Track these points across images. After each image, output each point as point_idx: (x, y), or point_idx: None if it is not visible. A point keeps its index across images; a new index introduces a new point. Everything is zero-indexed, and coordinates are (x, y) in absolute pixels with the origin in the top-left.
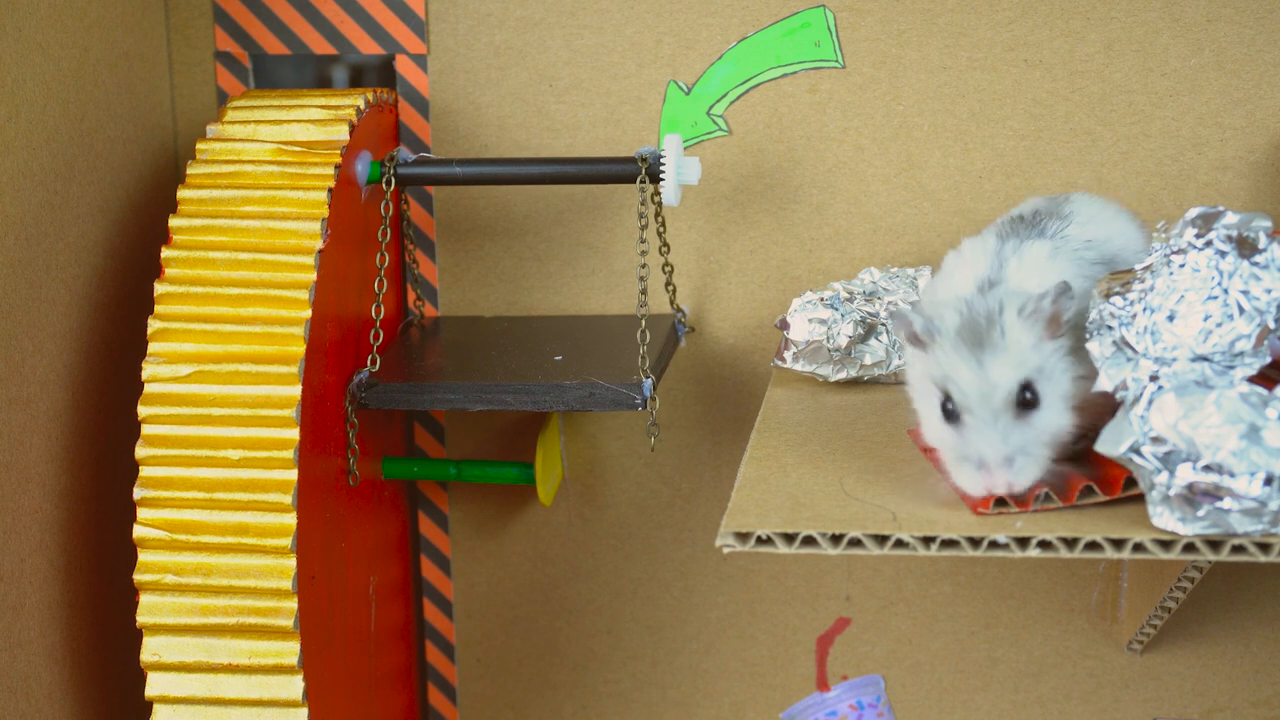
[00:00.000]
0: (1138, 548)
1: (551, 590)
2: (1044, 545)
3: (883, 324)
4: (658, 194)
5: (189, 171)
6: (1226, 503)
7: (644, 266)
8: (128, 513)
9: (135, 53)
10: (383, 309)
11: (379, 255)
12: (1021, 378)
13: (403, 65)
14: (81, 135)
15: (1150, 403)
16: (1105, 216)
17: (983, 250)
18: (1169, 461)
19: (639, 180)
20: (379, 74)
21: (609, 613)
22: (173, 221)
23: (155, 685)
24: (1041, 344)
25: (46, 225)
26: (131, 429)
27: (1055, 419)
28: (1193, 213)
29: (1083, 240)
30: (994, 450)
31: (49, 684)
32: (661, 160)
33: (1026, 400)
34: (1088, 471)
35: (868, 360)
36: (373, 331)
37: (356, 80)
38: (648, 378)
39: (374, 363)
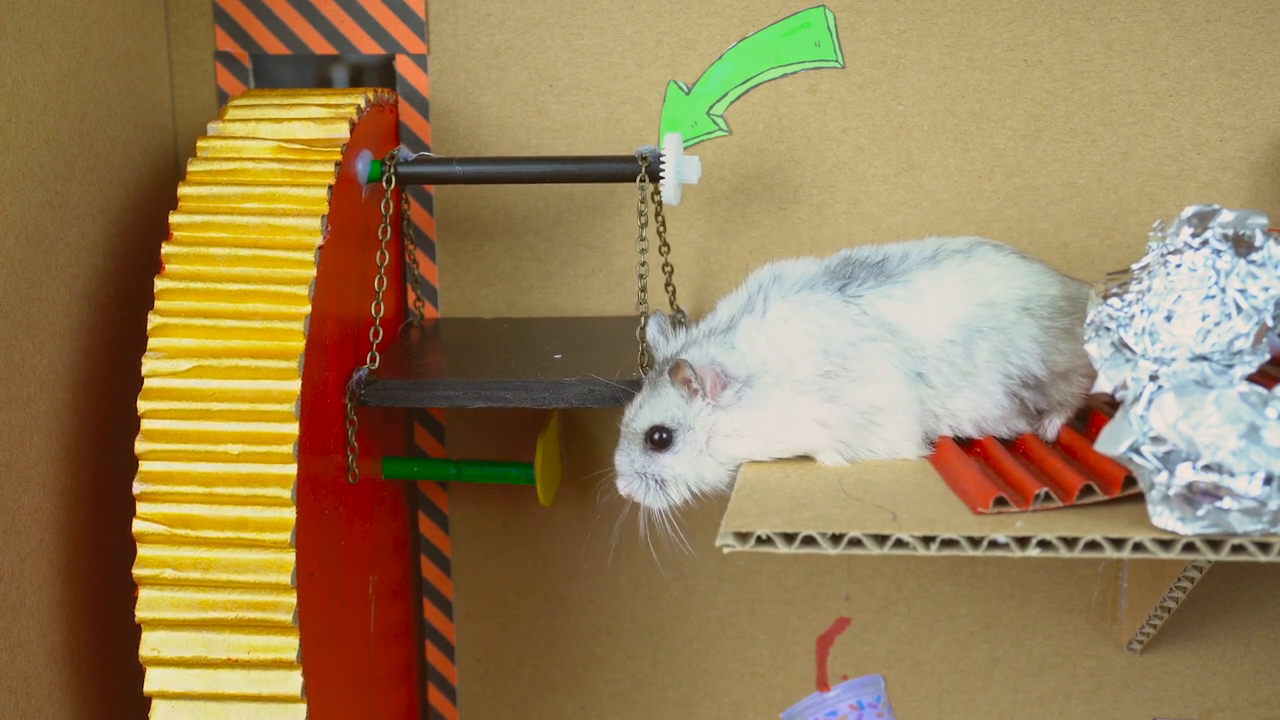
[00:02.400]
0: (1138, 547)
1: (551, 590)
2: (1044, 545)
3: None
4: (658, 193)
5: (190, 168)
6: (1226, 502)
7: (644, 265)
8: (128, 511)
9: (135, 53)
10: (383, 307)
11: (379, 254)
12: (653, 421)
13: (403, 65)
14: (81, 135)
15: (1150, 402)
16: (902, 295)
17: (746, 291)
18: (1169, 461)
19: (639, 179)
20: (379, 74)
21: (609, 613)
22: (173, 218)
23: (154, 680)
24: (685, 401)
25: (46, 225)
26: (131, 428)
27: (682, 463)
28: (1188, 211)
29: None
30: (620, 465)
31: (49, 683)
32: (661, 159)
33: (656, 440)
34: (1087, 471)
35: None
36: (372, 329)
37: (356, 80)
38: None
39: (373, 360)
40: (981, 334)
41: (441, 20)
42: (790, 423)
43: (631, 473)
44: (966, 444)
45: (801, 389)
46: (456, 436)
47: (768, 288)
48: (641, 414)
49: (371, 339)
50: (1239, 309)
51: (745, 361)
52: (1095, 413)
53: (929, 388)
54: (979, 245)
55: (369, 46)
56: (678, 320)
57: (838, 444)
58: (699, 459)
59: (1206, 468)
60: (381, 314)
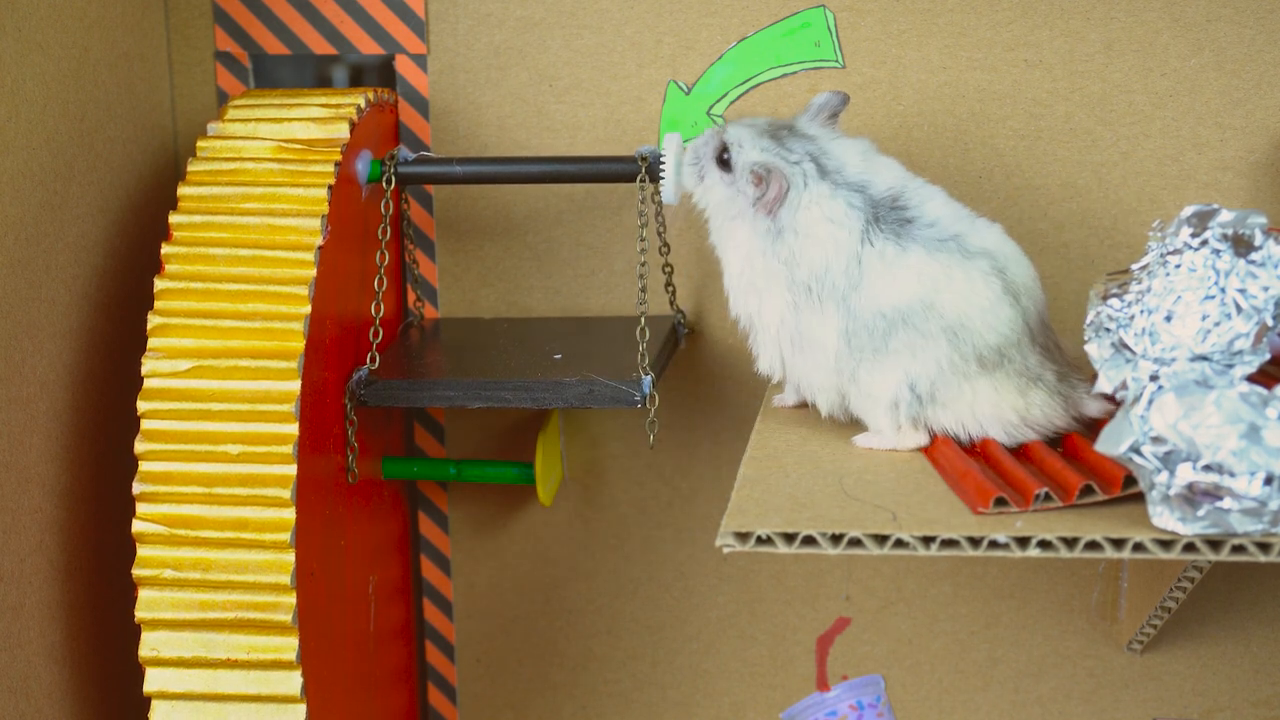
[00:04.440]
0: (1138, 547)
1: (551, 590)
2: (1044, 545)
3: None
4: (657, 193)
5: (189, 168)
6: (1226, 502)
7: (643, 264)
8: (128, 512)
9: (135, 53)
10: (383, 307)
11: (379, 254)
12: (728, 147)
13: (403, 65)
14: (81, 135)
15: (1150, 402)
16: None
17: (841, 144)
18: (1169, 461)
19: (638, 179)
20: (379, 74)
21: (609, 613)
22: (173, 218)
23: (154, 680)
24: (751, 186)
25: (46, 225)
26: (131, 428)
27: (718, 189)
28: (1188, 211)
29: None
30: (694, 145)
31: (49, 684)
32: (661, 160)
33: (723, 160)
34: (1086, 471)
35: None
36: (372, 330)
37: (356, 80)
38: (647, 375)
39: (373, 360)
40: (905, 323)
41: (441, 20)
42: (766, 288)
43: (694, 159)
44: (967, 444)
45: (790, 276)
46: (456, 436)
47: (843, 166)
48: (735, 136)
49: (371, 339)
50: (1239, 309)
51: (796, 213)
52: None
53: (848, 352)
54: (986, 258)
55: (369, 46)
56: (679, 322)
57: (783, 343)
58: (722, 202)
59: (1207, 468)
60: (382, 314)
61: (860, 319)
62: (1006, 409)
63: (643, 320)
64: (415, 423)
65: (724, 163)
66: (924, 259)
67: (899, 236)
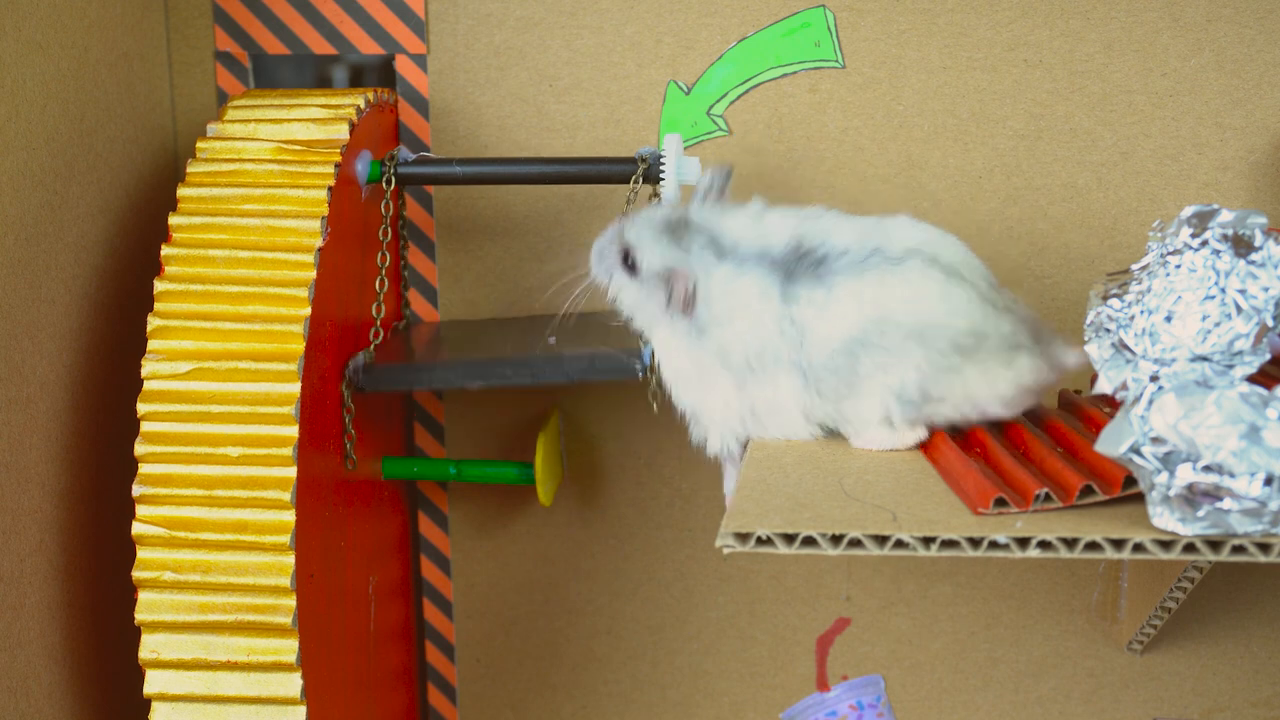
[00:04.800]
0: (1138, 548)
1: (551, 590)
2: (1044, 545)
3: None
4: (657, 194)
5: (189, 169)
6: (1226, 503)
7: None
8: (127, 512)
9: (135, 53)
10: (384, 308)
11: (380, 255)
12: (633, 247)
13: (403, 65)
14: (81, 135)
15: (1150, 403)
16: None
17: (747, 220)
18: (1169, 462)
19: (636, 179)
20: (379, 74)
21: (609, 613)
22: (173, 219)
23: (154, 682)
24: (662, 289)
25: (46, 225)
26: (131, 429)
27: (629, 296)
28: (1188, 212)
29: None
30: (597, 247)
31: (49, 684)
32: (661, 160)
33: (628, 263)
34: (1086, 471)
35: None
36: (373, 330)
37: (356, 80)
38: (647, 345)
39: (371, 350)
40: (865, 348)
41: (441, 20)
42: (702, 380)
43: (599, 260)
44: (966, 443)
45: (725, 363)
46: (456, 436)
47: (741, 242)
48: (635, 237)
49: (371, 339)
50: (1239, 309)
51: (711, 306)
52: (1095, 413)
53: (818, 396)
54: (915, 255)
55: (369, 46)
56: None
57: (733, 422)
58: (637, 304)
59: (1207, 468)
60: (382, 315)
61: (818, 367)
62: (1000, 385)
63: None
64: (415, 423)
65: (630, 266)
66: (854, 285)
67: (820, 279)
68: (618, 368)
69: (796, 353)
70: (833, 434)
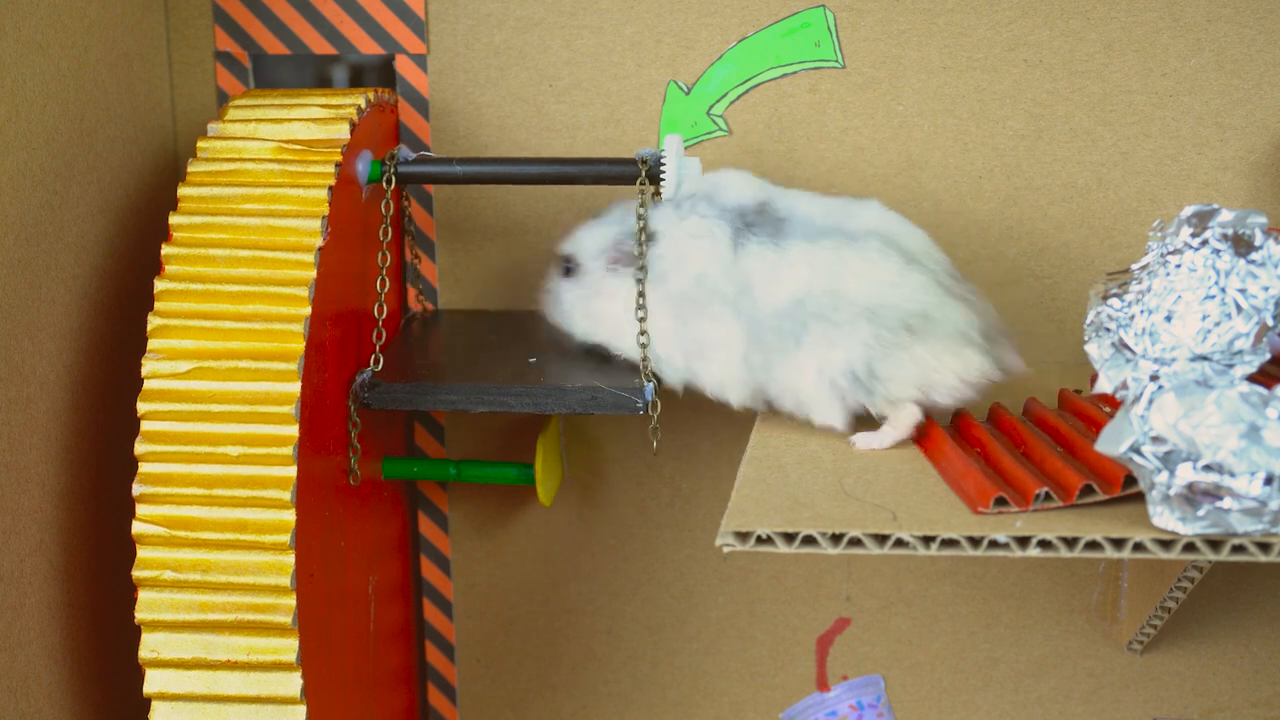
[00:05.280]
0: (1138, 547)
1: (551, 590)
2: (1044, 545)
3: None
4: (658, 195)
5: (190, 169)
6: (1226, 502)
7: (643, 269)
8: (128, 512)
9: (135, 53)
10: (385, 308)
11: (380, 254)
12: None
13: (403, 65)
14: (81, 135)
15: (1150, 402)
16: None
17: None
18: (1169, 461)
19: (639, 181)
20: (379, 74)
21: (609, 613)
22: (173, 219)
23: (154, 682)
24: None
25: (46, 225)
26: (131, 429)
27: (571, 296)
28: (1188, 211)
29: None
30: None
31: (49, 684)
32: (662, 161)
33: (566, 268)
34: (1086, 471)
35: None
36: (375, 331)
37: (356, 80)
38: (649, 382)
39: (377, 362)
40: (815, 318)
41: (441, 20)
42: (648, 317)
43: (546, 289)
44: (966, 442)
45: (666, 296)
46: (456, 436)
47: (700, 198)
48: (571, 246)
49: (374, 341)
50: (1239, 309)
51: (658, 244)
52: (1095, 412)
53: (758, 350)
54: (875, 236)
55: (369, 46)
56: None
57: (675, 356)
58: (583, 301)
59: (1207, 468)
60: (384, 315)
61: (762, 321)
62: (946, 372)
63: (642, 324)
64: (416, 423)
65: (568, 271)
66: (809, 250)
67: (775, 237)
68: (619, 404)
69: (741, 298)
70: (771, 406)
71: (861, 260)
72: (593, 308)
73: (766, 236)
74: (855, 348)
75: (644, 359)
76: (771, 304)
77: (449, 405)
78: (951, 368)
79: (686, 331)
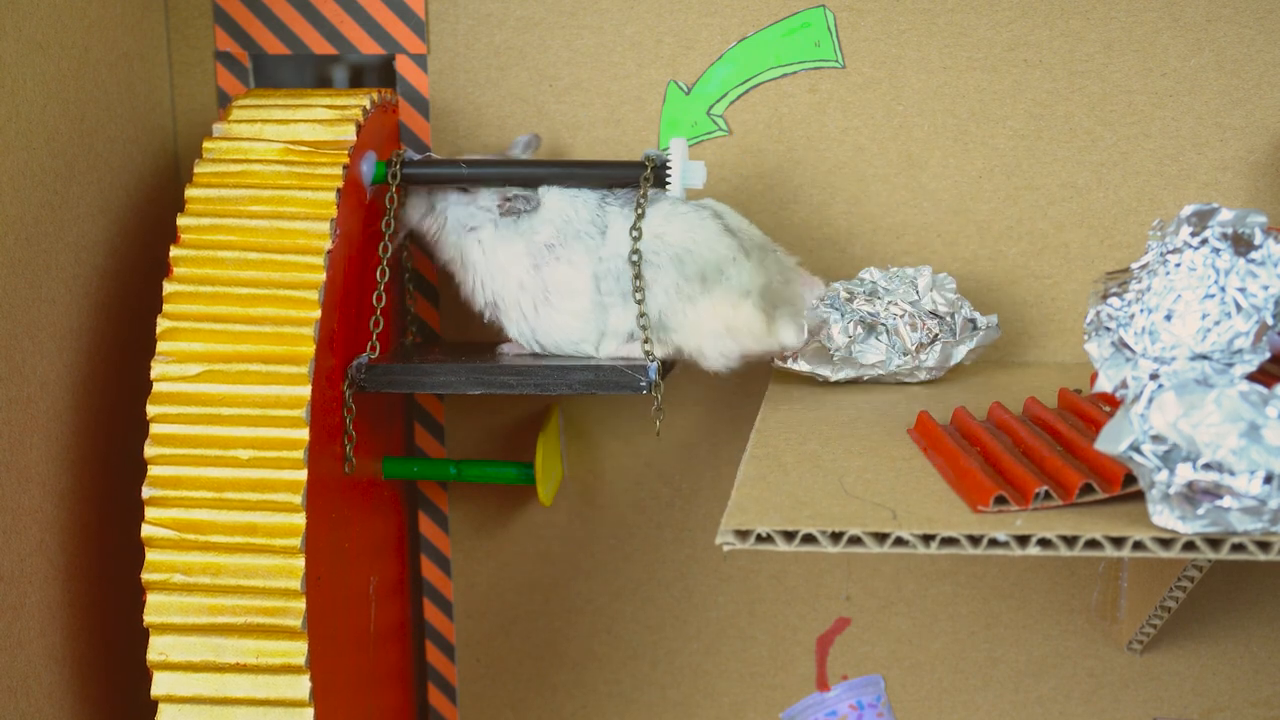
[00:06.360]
0: (1138, 546)
1: (551, 590)
2: (1044, 543)
3: (883, 324)
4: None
5: (196, 170)
6: (1226, 501)
7: (637, 253)
8: (129, 512)
9: (135, 53)
10: (384, 297)
11: (381, 246)
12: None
13: (403, 65)
14: (81, 135)
15: (1150, 401)
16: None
17: None
18: (1169, 460)
19: (643, 179)
20: (379, 74)
21: (609, 613)
22: (181, 220)
23: (161, 684)
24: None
25: (46, 225)
26: (133, 428)
27: (454, 209)
28: (1187, 211)
29: None
30: None
31: (49, 684)
32: (668, 165)
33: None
34: (1086, 470)
35: (868, 360)
36: (373, 319)
37: (356, 80)
38: (653, 361)
39: (374, 349)
40: (646, 264)
41: (441, 20)
42: (505, 270)
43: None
44: (966, 441)
45: (530, 247)
46: (456, 436)
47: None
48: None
49: (371, 328)
50: (1239, 308)
51: (540, 211)
52: (1095, 412)
53: (601, 293)
54: (706, 208)
55: (369, 46)
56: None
57: (528, 306)
58: (461, 219)
59: (1207, 466)
60: (383, 304)
61: (607, 268)
62: (717, 321)
63: (641, 306)
64: (415, 423)
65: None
66: (655, 211)
67: (628, 203)
68: (622, 382)
69: (597, 247)
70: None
71: (692, 216)
72: (460, 241)
73: (624, 202)
74: (659, 295)
75: (645, 337)
76: (616, 252)
77: (446, 387)
78: (723, 316)
79: (539, 280)
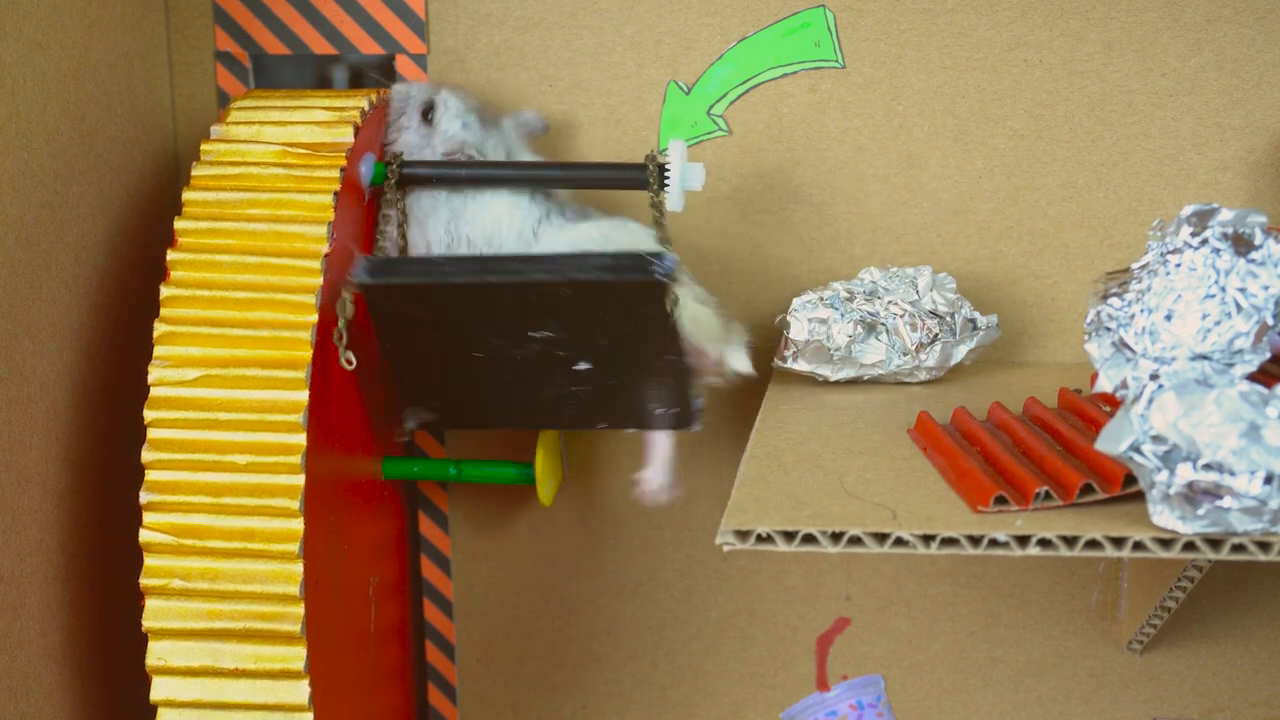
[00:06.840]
0: (1138, 546)
1: (551, 590)
2: (1044, 543)
3: (883, 324)
4: (661, 198)
5: (194, 173)
6: (1226, 501)
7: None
8: (128, 513)
9: (135, 53)
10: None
11: (378, 232)
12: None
13: (403, 65)
14: (81, 135)
15: (1150, 401)
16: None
17: None
18: (1169, 460)
19: (648, 173)
20: (378, 74)
21: (609, 613)
22: (178, 224)
23: (160, 689)
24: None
25: (46, 225)
26: (132, 428)
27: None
28: (1187, 211)
29: None
30: None
31: (49, 684)
32: (666, 168)
33: (425, 114)
34: (1086, 470)
35: (868, 360)
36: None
37: (357, 80)
38: (671, 253)
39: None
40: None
41: (441, 20)
42: (420, 221)
43: (402, 98)
44: (966, 441)
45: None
46: (456, 436)
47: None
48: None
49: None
50: (1239, 308)
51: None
52: (1095, 412)
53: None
54: (634, 222)
55: (369, 46)
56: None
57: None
58: (410, 148)
59: (1207, 467)
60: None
61: None
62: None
63: (657, 198)
64: None
65: (426, 118)
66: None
67: (565, 213)
68: (639, 266)
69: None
70: None
71: (616, 227)
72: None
73: (559, 211)
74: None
75: (661, 224)
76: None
77: (451, 276)
78: (689, 309)
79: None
